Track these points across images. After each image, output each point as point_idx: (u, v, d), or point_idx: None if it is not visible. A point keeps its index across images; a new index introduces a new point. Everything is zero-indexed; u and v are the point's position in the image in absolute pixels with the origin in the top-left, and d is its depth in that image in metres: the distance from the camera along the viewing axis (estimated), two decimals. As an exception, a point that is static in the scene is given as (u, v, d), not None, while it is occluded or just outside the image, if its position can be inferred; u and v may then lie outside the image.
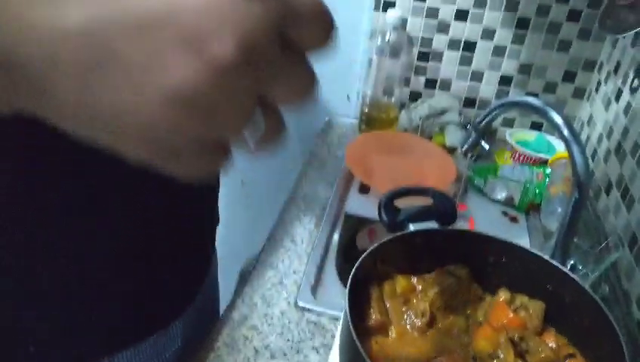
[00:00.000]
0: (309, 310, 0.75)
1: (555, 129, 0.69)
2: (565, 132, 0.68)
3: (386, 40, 1.12)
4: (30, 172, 0.46)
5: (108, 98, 0.20)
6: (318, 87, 0.25)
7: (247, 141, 0.24)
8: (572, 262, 0.86)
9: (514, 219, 1.02)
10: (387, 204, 0.66)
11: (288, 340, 0.70)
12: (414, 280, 0.62)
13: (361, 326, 0.56)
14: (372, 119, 1.19)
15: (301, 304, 0.75)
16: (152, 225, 0.59)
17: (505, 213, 1.04)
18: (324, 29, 0.24)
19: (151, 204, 0.57)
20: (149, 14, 0.19)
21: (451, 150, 1.12)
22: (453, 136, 1.15)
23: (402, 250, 0.60)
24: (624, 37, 1.04)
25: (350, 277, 0.53)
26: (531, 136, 1.20)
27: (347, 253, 0.94)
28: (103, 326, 0.60)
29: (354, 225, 0.99)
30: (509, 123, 1.27)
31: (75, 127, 0.22)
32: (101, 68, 0.20)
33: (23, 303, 0.54)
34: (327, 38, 0.24)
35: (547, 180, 1.05)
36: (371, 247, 0.57)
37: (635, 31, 0.93)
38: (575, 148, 0.67)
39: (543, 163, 1.11)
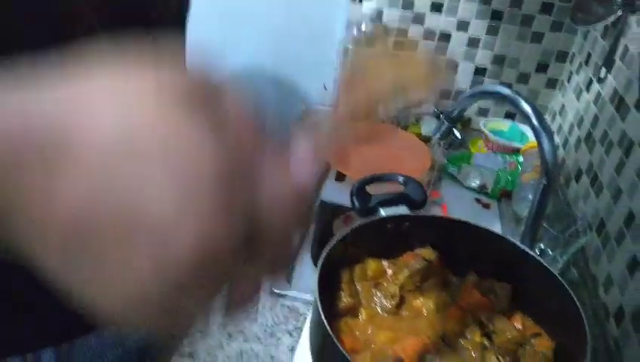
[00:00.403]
0: (283, 296, 0.75)
1: (525, 118, 0.71)
2: (534, 120, 0.69)
3: (362, 30, 1.12)
4: None
5: (83, 279, 0.21)
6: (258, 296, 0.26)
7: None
8: (542, 246, 0.88)
9: (486, 206, 1.04)
10: (359, 190, 0.67)
11: (262, 324, 0.71)
12: (385, 263, 0.63)
13: (331, 308, 0.57)
14: (349, 109, 1.20)
15: (276, 290, 0.76)
16: None
17: (478, 200, 1.06)
18: (279, 254, 0.25)
19: None
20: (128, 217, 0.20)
21: (426, 139, 1.13)
22: (429, 127, 1.16)
23: (373, 234, 0.62)
24: (595, 29, 1.06)
25: (321, 260, 0.53)
26: (505, 125, 1.22)
27: (323, 241, 0.95)
28: (62, 311, 0.59)
29: (330, 213, 1.00)
30: (483, 112, 1.29)
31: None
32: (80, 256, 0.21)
33: None
34: (282, 260, 0.25)
35: (519, 168, 1.07)
36: (342, 232, 0.58)
37: (604, 23, 0.95)
38: (543, 137, 0.69)
39: (516, 151, 1.13)
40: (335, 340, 0.47)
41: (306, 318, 0.73)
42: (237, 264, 0.23)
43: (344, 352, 0.47)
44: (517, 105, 0.71)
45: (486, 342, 0.56)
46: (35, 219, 0.20)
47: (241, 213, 0.22)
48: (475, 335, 0.56)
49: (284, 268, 0.26)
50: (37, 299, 0.57)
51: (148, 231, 0.20)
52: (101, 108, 0.20)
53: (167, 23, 0.56)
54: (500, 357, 0.56)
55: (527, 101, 0.70)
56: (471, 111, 1.29)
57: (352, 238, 0.59)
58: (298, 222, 0.25)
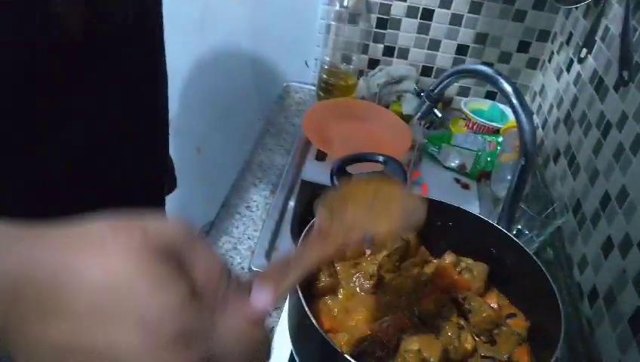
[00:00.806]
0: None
1: (505, 97, 0.70)
2: (514, 100, 0.69)
3: (345, 5, 1.10)
4: None
5: None
6: None
7: None
8: (519, 227, 0.89)
9: (466, 186, 1.05)
10: (339, 170, 0.66)
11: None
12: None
13: (310, 288, 0.57)
14: (330, 86, 1.19)
15: (255, 269, 0.76)
16: (102, 197, 0.59)
17: (457, 180, 1.06)
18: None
19: (101, 183, 0.59)
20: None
21: (407, 118, 1.13)
22: (410, 105, 1.16)
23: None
24: (577, 8, 1.05)
25: (300, 239, 0.53)
26: (485, 105, 1.22)
27: (303, 220, 0.95)
28: None
29: (310, 192, 0.99)
30: (464, 92, 1.28)
31: None
32: None
33: None
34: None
35: (499, 148, 1.07)
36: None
37: (586, 2, 0.95)
38: (523, 117, 0.69)
39: (496, 132, 1.14)
40: (313, 320, 0.46)
41: (285, 299, 0.73)
42: None
43: (322, 332, 0.46)
44: (497, 85, 0.71)
45: (462, 322, 0.56)
46: (29, 341, 0.24)
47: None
48: (452, 315, 0.56)
49: None
50: None
51: None
52: (91, 262, 0.25)
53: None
54: (475, 336, 0.56)
55: (507, 80, 0.70)
56: (452, 91, 1.29)
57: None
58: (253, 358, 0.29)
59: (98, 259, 0.25)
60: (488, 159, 1.06)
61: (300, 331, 0.53)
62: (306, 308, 0.48)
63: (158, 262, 0.26)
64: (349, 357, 0.43)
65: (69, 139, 0.53)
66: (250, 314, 0.28)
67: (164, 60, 0.67)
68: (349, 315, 0.56)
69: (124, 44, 0.55)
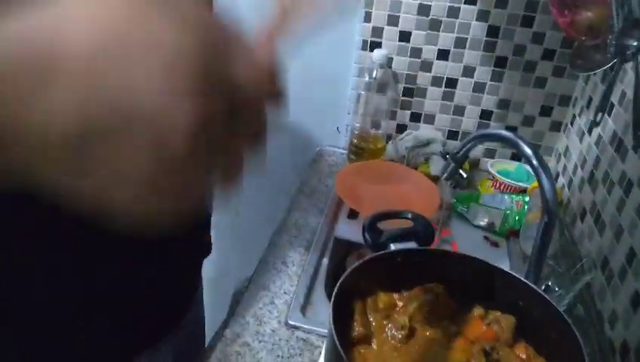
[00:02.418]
0: (298, 328, 0.79)
1: (526, 160, 0.75)
2: (534, 161, 0.74)
3: (373, 77, 1.19)
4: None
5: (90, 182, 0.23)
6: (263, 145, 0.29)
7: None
8: (549, 283, 0.91)
9: (495, 244, 1.08)
10: (370, 226, 0.71)
11: (278, 356, 0.74)
12: (396, 296, 0.67)
13: (345, 337, 0.61)
14: (360, 149, 1.26)
15: (291, 322, 0.80)
16: (140, 261, 0.60)
17: (486, 238, 1.09)
18: (259, 124, 0.29)
19: (141, 246, 0.57)
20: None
21: (435, 179, 1.18)
22: (437, 166, 1.21)
23: (384, 267, 0.66)
24: (594, 74, 1.11)
25: (335, 290, 0.57)
26: (512, 166, 1.27)
27: (336, 276, 0.99)
28: (88, 345, 0.59)
29: (343, 249, 1.04)
30: (490, 154, 1.33)
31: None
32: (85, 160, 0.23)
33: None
34: (261, 130, 0.29)
35: (526, 208, 1.10)
36: (355, 264, 0.62)
37: (602, 69, 1.01)
38: (543, 176, 0.73)
39: (522, 191, 1.17)
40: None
41: (320, 351, 0.76)
42: (225, 137, 0.25)
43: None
44: (518, 148, 0.76)
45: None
46: (35, 128, 0.22)
47: (222, 88, 0.24)
48: (480, 367, 0.59)
49: (263, 139, 0.29)
50: (59, 336, 0.58)
51: (145, 120, 0.22)
52: (77, 18, 0.22)
53: None
54: None
55: (527, 143, 0.75)
56: (478, 152, 1.34)
57: (364, 270, 0.63)
58: (269, 91, 0.28)
59: (84, 16, 0.22)
60: (517, 218, 1.10)
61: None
62: (343, 354, 0.52)
63: (153, 3, 0.23)
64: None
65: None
66: (257, 45, 0.28)
67: None
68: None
69: None
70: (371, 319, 0.64)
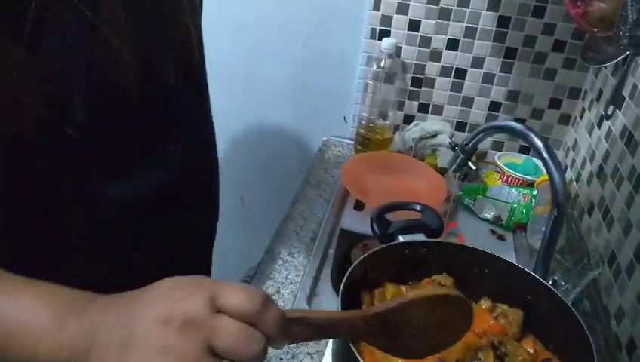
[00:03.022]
0: (304, 318, 0.79)
1: (536, 152, 0.74)
2: (544, 154, 0.73)
3: (381, 66, 1.18)
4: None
5: None
6: None
7: None
8: (555, 278, 0.90)
9: (501, 237, 1.07)
10: (379, 217, 0.71)
11: (284, 347, 0.74)
12: (403, 288, 0.67)
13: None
14: (367, 140, 1.25)
15: (297, 312, 0.80)
16: (154, 254, 0.63)
17: (493, 232, 1.08)
18: (242, 300, 0.37)
19: (154, 243, 0.63)
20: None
21: (443, 171, 1.17)
22: (445, 158, 1.20)
23: (391, 259, 0.65)
24: (605, 67, 1.10)
25: (343, 280, 0.57)
26: (519, 159, 1.26)
27: (342, 267, 0.98)
28: None
29: (349, 241, 1.03)
30: (498, 146, 1.32)
31: None
32: None
33: None
34: (246, 302, 0.37)
35: (533, 201, 1.10)
36: (363, 255, 0.62)
37: (614, 62, 1.00)
38: (553, 169, 0.72)
39: (530, 185, 1.17)
40: (358, 356, 0.50)
41: (327, 342, 0.76)
42: None
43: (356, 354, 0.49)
44: (528, 140, 0.75)
45: (499, 365, 0.58)
46: None
47: None
48: (489, 357, 0.58)
49: None
50: None
51: None
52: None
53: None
54: None
55: (537, 135, 0.74)
56: (486, 145, 1.33)
57: (372, 261, 0.62)
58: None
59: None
60: (524, 211, 1.09)
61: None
62: (352, 346, 0.51)
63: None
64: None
65: (123, 196, 0.56)
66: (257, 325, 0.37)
67: (211, 118, 0.72)
68: (389, 356, 0.59)
69: (175, 103, 0.59)
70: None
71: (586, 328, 0.58)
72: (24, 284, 0.41)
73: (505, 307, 0.66)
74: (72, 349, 0.38)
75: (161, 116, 0.59)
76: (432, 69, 1.26)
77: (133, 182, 0.57)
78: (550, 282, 0.87)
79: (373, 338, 0.46)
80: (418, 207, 0.73)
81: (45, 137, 0.48)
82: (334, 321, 0.43)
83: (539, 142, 0.74)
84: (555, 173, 0.73)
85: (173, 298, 0.37)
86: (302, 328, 0.41)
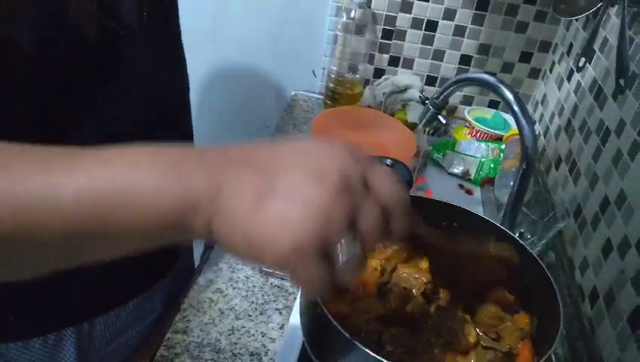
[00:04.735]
0: (272, 274, 0.78)
1: (507, 105, 0.73)
2: (515, 107, 0.72)
3: (351, 17, 1.14)
4: None
5: None
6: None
7: (338, 257, 0.34)
8: (521, 230, 0.91)
9: (469, 192, 1.08)
10: (348, 172, 0.69)
11: (252, 302, 0.73)
12: None
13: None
14: (337, 95, 1.22)
15: (265, 268, 0.79)
16: None
17: (461, 186, 1.09)
18: (392, 191, 0.36)
19: None
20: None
21: (412, 126, 1.16)
22: (415, 113, 1.19)
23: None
24: (577, 20, 1.09)
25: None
26: (488, 113, 1.26)
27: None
28: (81, 291, 0.61)
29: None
30: (468, 101, 1.31)
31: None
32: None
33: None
34: (394, 195, 0.36)
35: (501, 156, 1.10)
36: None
37: (586, 14, 0.98)
38: (523, 122, 0.72)
39: (499, 139, 1.17)
40: (322, 306, 0.49)
41: (295, 297, 0.75)
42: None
43: (330, 318, 0.48)
44: (499, 92, 0.74)
45: (467, 316, 0.59)
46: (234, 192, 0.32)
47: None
48: (458, 308, 0.59)
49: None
50: (54, 281, 0.59)
51: None
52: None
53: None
54: (481, 332, 0.59)
55: (509, 88, 0.73)
56: (455, 99, 1.32)
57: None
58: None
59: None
60: (491, 166, 1.09)
61: (312, 322, 0.55)
62: (319, 300, 0.50)
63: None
64: (358, 344, 0.46)
65: (90, 139, 0.53)
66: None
67: (184, 58, 0.69)
68: (357, 307, 0.58)
69: (140, 45, 0.56)
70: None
71: (552, 279, 0.59)
72: (115, 150, 0.34)
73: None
74: (195, 195, 0.32)
75: (124, 60, 0.55)
76: (403, 20, 1.23)
77: (100, 122, 0.55)
78: (517, 235, 0.88)
79: None
80: (389, 162, 0.72)
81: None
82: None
83: (510, 95, 0.73)
84: (525, 126, 0.72)
85: (328, 157, 0.34)
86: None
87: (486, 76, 0.77)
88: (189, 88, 0.72)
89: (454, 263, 0.64)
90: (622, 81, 0.79)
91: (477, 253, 0.65)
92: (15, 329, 0.59)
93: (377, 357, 0.45)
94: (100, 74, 0.53)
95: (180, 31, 0.67)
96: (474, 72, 1.24)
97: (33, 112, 0.49)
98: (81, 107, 0.53)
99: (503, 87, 0.73)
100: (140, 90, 0.58)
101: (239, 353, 0.66)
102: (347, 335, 0.46)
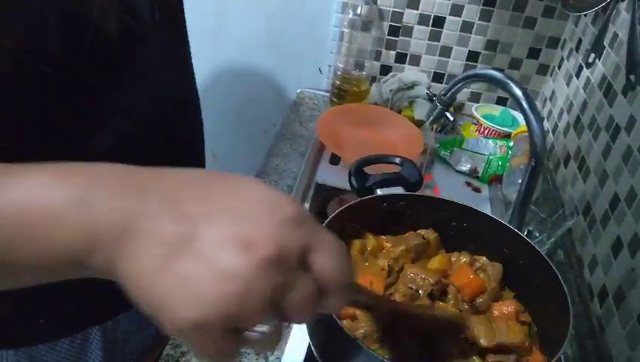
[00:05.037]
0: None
1: (515, 101, 0.73)
2: (524, 103, 0.71)
3: (358, 13, 1.13)
4: None
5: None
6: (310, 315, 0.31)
7: (253, 336, 0.30)
8: (530, 228, 0.91)
9: (477, 190, 1.07)
10: (357, 171, 0.69)
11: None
12: (384, 238, 0.65)
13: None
14: (343, 92, 1.22)
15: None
16: None
17: (468, 184, 1.08)
18: (336, 269, 0.30)
19: None
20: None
21: (419, 123, 1.15)
22: (422, 110, 1.18)
23: (369, 212, 0.63)
24: (585, 15, 1.08)
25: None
26: (496, 110, 1.25)
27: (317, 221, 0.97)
28: (104, 290, 0.61)
29: (324, 195, 1.01)
30: (475, 98, 1.30)
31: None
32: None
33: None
34: (337, 275, 0.30)
35: (510, 153, 1.09)
36: (340, 208, 0.60)
37: (595, 9, 0.97)
38: (532, 118, 0.71)
39: (507, 136, 1.16)
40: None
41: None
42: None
43: (336, 318, 0.48)
44: (507, 89, 0.73)
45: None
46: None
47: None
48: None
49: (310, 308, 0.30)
50: (81, 281, 0.60)
51: None
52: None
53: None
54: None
55: (517, 84, 0.72)
56: (463, 96, 1.31)
57: (349, 215, 0.61)
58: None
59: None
60: (500, 163, 1.08)
61: (318, 322, 0.55)
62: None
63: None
64: (363, 345, 0.45)
65: (104, 138, 0.54)
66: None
67: (190, 57, 0.69)
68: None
69: (152, 43, 0.57)
70: (354, 262, 0.62)
71: (561, 280, 0.58)
72: (37, 166, 0.30)
73: (484, 259, 0.66)
74: (94, 230, 0.27)
75: (139, 56, 0.55)
76: (409, 16, 1.22)
77: (113, 121, 0.55)
78: (525, 233, 0.87)
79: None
80: (398, 160, 0.72)
81: (21, 76, 0.45)
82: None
83: (518, 91, 0.72)
84: (534, 123, 0.71)
85: (265, 218, 0.28)
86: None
87: (494, 72, 0.76)
88: (196, 86, 0.73)
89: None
90: (632, 77, 0.78)
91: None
92: (45, 331, 0.60)
93: (383, 358, 0.45)
94: (118, 72, 0.53)
95: (187, 30, 0.67)
96: (482, 68, 1.23)
97: (52, 112, 0.49)
98: (98, 106, 0.53)
99: (511, 84, 0.72)
100: (149, 88, 0.58)
101: (245, 352, 0.66)
102: (352, 336, 0.46)
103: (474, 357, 0.53)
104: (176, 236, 0.27)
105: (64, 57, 0.46)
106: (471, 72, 0.81)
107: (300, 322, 0.31)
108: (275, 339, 0.31)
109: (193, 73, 0.71)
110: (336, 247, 0.30)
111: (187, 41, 0.68)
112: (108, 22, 0.49)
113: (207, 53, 1.36)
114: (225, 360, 0.29)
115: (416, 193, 0.68)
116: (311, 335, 0.55)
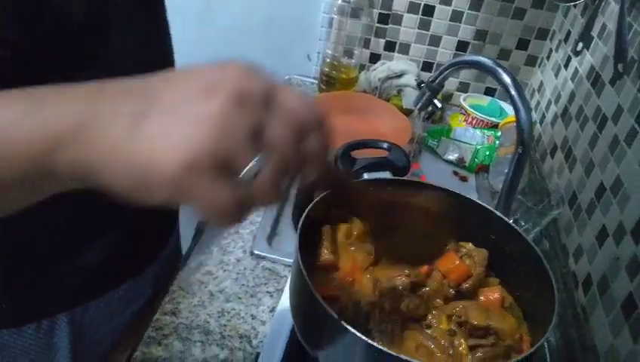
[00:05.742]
0: (264, 257, 0.77)
1: (504, 88, 0.72)
2: (512, 90, 0.71)
3: (347, 0, 1.12)
4: None
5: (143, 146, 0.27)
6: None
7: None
8: (516, 217, 0.91)
9: (464, 179, 1.07)
10: (344, 154, 0.68)
11: (243, 285, 0.72)
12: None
13: (311, 264, 0.58)
14: (332, 79, 1.21)
15: (257, 252, 0.77)
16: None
17: (455, 173, 1.08)
18: (304, 107, 0.32)
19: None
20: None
21: (408, 112, 1.14)
22: (410, 99, 1.17)
23: (356, 196, 0.63)
24: (575, 6, 1.08)
25: (303, 216, 0.54)
26: (484, 100, 1.24)
27: (303, 206, 0.96)
28: (73, 276, 0.60)
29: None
30: (463, 88, 1.30)
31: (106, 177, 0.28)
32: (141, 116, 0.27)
33: None
34: (306, 112, 0.32)
35: (497, 143, 1.09)
36: (325, 193, 0.59)
37: (584, 0, 0.97)
38: (520, 106, 0.71)
39: (494, 126, 1.16)
40: (311, 287, 0.48)
41: (286, 280, 0.74)
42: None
43: (319, 298, 0.47)
44: (496, 76, 0.72)
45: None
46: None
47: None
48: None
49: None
50: (49, 267, 0.58)
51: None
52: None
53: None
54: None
55: (506, 71, 0.72)
56: (451, 86, 1.31)
57: (334, 199, 0.60)
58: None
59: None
60: (487, 153, 1.08)
61: (300, 302, 0.54)
62: (307, 279, 0.49)
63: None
64: (345, 324, 0.44)
65: None
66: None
67: (170, 37, 0.67)
68: (347, 290, 0.57)
69: (125, 24, 0.55)
70: (340, 246, 0.62)
71: (547, 266, 0.58)
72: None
73: (470, 245, 0.65)
74: (46, 130, 0.28)
75: (110, 41, 0.53)
76: (399, 4, 1.21)
77: None
78: (511, 221, 0.87)
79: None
80: (385, 145, 0.71)
81: None
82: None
83: (507, 78, 0.71)
84: (522, 109, 0.71)
85: (219, 72, 0.30)
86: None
87: (483, 59, 0.75)
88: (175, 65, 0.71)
89: (393, 216, 0.63)
90: (620, 67, 0.78)
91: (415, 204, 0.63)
92: (8, 316, 0.58)
93: (365, 338, 0.44)
94: (86, 55, 0.51)
95: (166, 9, 0.65)
96: (471, 55, 1.23)
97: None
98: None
99: (500, 70, 0.72)
100: (124, 70, 0.56)
101: (229, 335, 0.65)
102: (335, 315, 0.45)
103: (460, 337, 0.53)
104: (139, 105, 0.28)
105: (23, 41, 0.44)
106: (460, 58, 0.81)
107: (285, 160, 0.30)
108: (272, 185, 0.31)
109: (172, 52, 0.69)
110: (300, 93, 0.32)
111: (166, 22, 0.66)
112: (71, 3, 0.47)
113: (195, 39, 1.34)
114: (224, 209, 0.29)
115: (403, 178, 0.68)
116: (294, 314, 0.54)
